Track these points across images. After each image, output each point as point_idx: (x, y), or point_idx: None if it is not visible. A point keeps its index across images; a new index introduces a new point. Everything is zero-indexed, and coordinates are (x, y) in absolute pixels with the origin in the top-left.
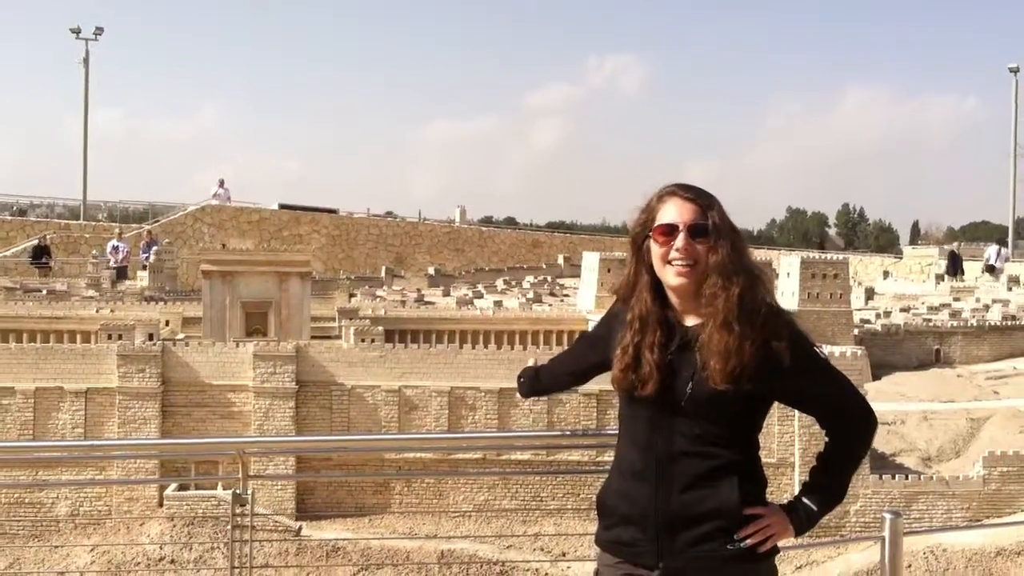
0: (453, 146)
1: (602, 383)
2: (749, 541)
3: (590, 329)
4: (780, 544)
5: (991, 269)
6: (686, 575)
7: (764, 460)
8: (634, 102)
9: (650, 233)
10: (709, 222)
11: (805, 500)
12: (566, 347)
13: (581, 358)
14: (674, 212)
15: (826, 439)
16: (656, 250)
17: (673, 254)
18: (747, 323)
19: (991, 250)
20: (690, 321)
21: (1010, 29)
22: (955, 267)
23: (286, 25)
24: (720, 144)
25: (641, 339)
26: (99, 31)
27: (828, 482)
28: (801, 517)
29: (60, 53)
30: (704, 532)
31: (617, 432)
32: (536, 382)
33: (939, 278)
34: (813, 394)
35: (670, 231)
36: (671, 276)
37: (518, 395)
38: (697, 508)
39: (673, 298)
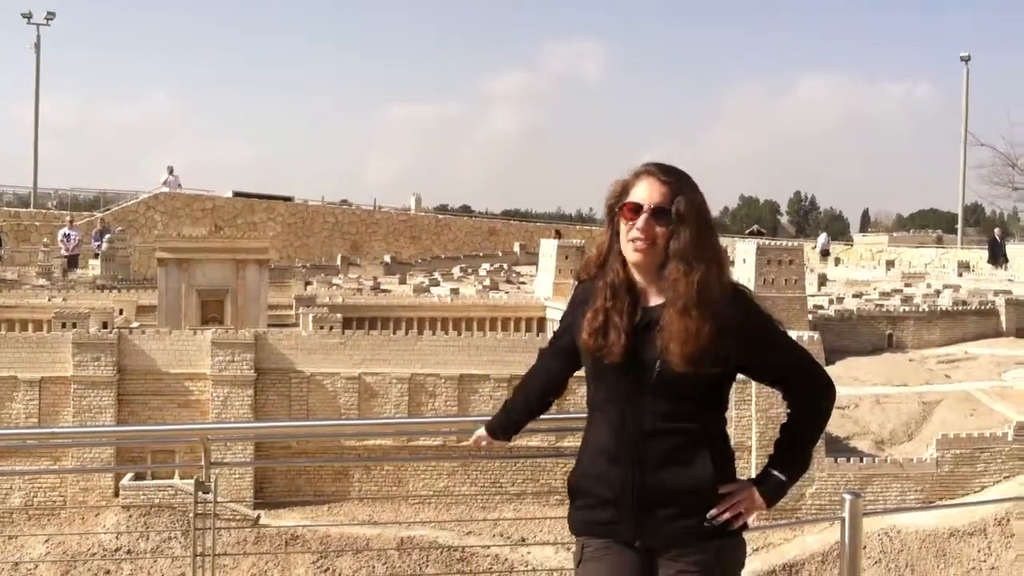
0: (407, 134)
1: None
2: (721, 519)
3: (549, 333)
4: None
5: (825, 254)
6: (663, 551)
7: None
8: (591, 89)
9: (620, 207)
10: (673, 207)
11: (774, 472)
12: (523, 333)
13: (549, 368)
14: (644, 192)
15: (788, 411)
16: (622, 226)
17: (634, 232)
18: (706, 309)
19: (822, 237)
20: (653, 301)
21: (962, 17)
22: (996, 254)
23: (238, 11)
24: (675, 132)
25: (612, 305)
26: (51, 16)
27: (794, 453)
28: (772, 489)
29: (10, 38)
30: (680, 509)
31: (581, 416)
32: (506, 418)
33: (889, 264)
34: (776, 366)
35: (636, 210)
36: (630, 252)
37: (506, 432)
38: (672, 485)
39: (636, 275)
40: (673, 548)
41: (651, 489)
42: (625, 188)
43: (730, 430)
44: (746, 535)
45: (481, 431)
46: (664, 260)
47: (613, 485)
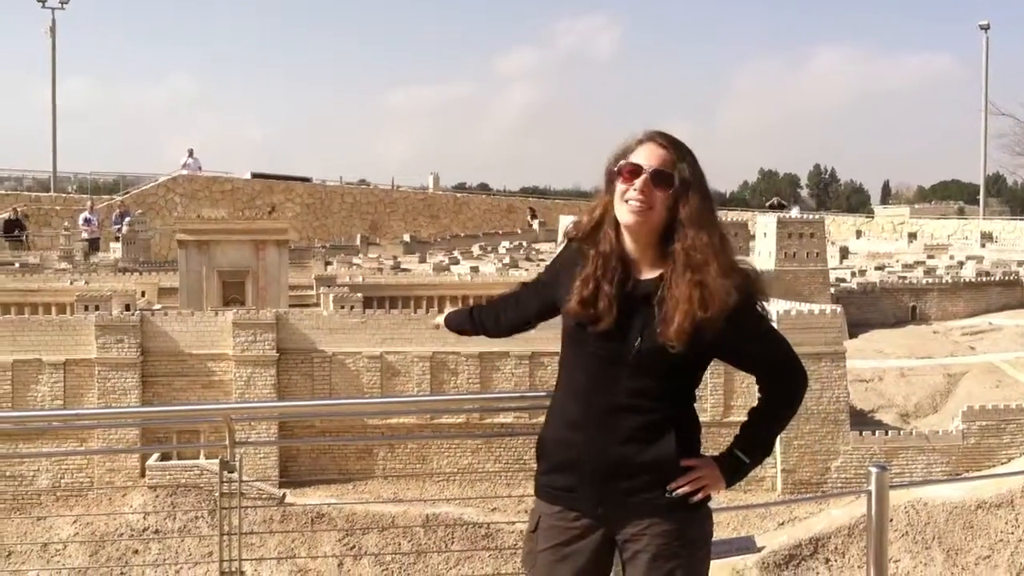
0: (424, 112)
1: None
2: (681, 491)
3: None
4: (758, 502)
5: None
6: (623, 521)
7: (735, 419)
8: (605, 65)
9: (618, 169)
10: (676, 173)
11: (738, 453)
12: None
13: (527, 309)
14: (644, 155)
15: (760, 396)
16: (619, 188)
17: (631, 193)
18: (718, 278)
19: (794, 211)
20: (646, 274)
21: None
22: None
23: None
24: (692, 106)
25: (603, 274)
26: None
27: (761, 437)
28: (733, 470)
29: (25, 22)
30: (642, 482)
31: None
32: (469, 324)
33: (911, 236)
34: (756, 354)
35: (635, 171)
36: (625, 213)
37: (460, 332)
38: (635, 459)
39: (629, 244)
40: (634, 519)
41: (613, 461)
42: (625, 152)
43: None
44: (772, 509)
45: (441, 319)
46: (660, 230)
47: (575, 453)
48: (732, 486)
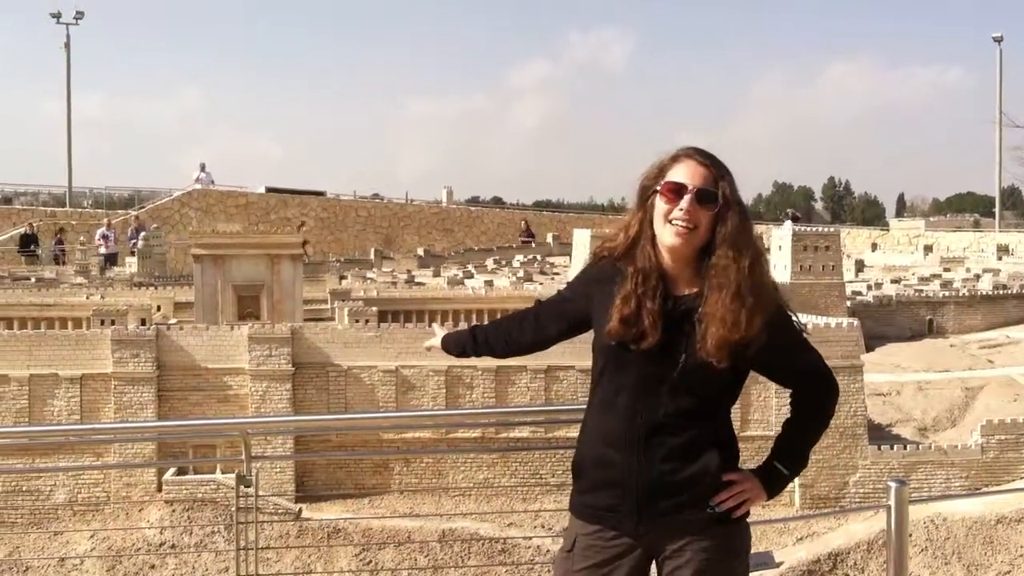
0: (437, 126)
1: None
2: (725, 505)
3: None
4: (776, 517)
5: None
6: (663, 539)
7: (765, 433)
8: (618, 78)
9: (657, 189)
10: (719, 191)
11: (778, 465)
12: None
13: (546, 329)
14: (685, 173)
15: (794, 407)
16: (660, 207)
17: (676, 213)
18: (759, 298)
19: (787, 225)
20: (684, 290)
21: None
22: None
23: (265, 8)
24: (706, 119)
25: (643, 292)
26: (79, 15)
27: (797, 448)
28: (774, 481)
29: (40, 38)
30: (684, 499)
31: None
32: (471, 344)
33: (927, 249)
34: (794, 367)
35: (678, 190)
36: (669, 235)
37: (461, 355)
38: (678, 476)
39: (667, 261)
40: (675, 537)
41: (656, 480)
42: (662, 169)
43: (771, 419)
44: (790, 524)
45: (436, 341)
46: (701, 247)
47: (615, 472)
48: (772, 498)
